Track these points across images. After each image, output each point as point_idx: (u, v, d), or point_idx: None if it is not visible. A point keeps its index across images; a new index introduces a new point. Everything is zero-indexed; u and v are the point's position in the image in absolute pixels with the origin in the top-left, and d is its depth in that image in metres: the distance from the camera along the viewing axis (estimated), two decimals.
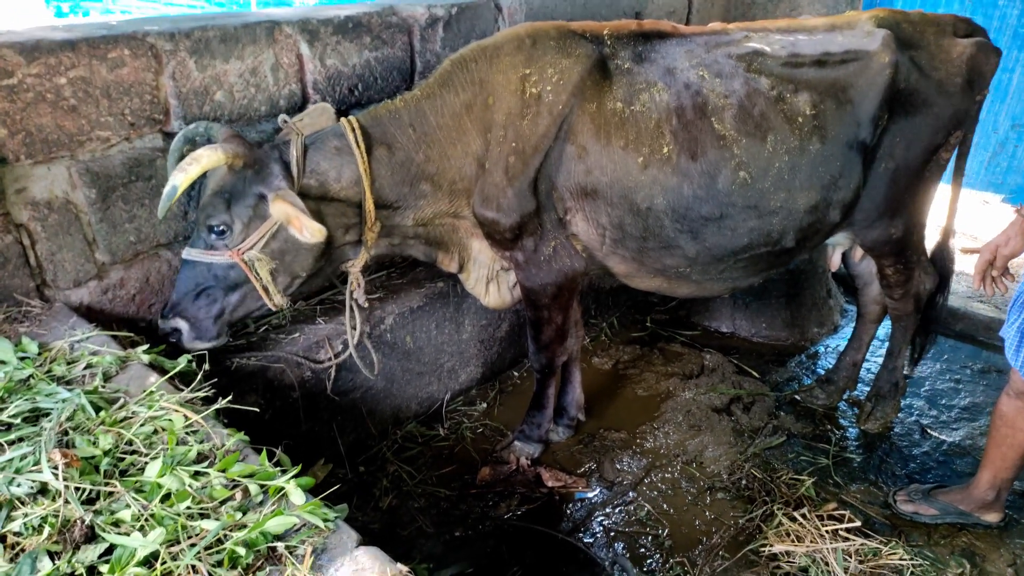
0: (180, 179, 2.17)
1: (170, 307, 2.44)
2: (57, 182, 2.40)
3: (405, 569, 1.45)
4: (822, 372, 4.05)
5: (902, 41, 2.75)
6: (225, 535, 1.47)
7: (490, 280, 2.98)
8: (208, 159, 2.23)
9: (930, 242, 3.33)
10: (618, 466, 3.34)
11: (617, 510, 3.11)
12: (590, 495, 3.18)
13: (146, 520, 1.49)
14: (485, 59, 2.60)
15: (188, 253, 2.41)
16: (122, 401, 1.85)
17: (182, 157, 2.34)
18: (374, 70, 3.15)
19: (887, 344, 3.62)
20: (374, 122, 2.56)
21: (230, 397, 1.88)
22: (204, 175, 2.35)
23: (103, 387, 1.92)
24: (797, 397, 3.84)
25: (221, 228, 2.36)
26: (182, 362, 2.09)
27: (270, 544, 1.47)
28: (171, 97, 2.56)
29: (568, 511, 3.10)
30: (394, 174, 2.57)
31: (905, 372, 3.65)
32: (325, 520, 1.54)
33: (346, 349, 2.88)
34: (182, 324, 2.41)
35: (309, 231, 2.29)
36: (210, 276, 2.40)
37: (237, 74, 2.70)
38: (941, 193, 3.20)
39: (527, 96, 2.56)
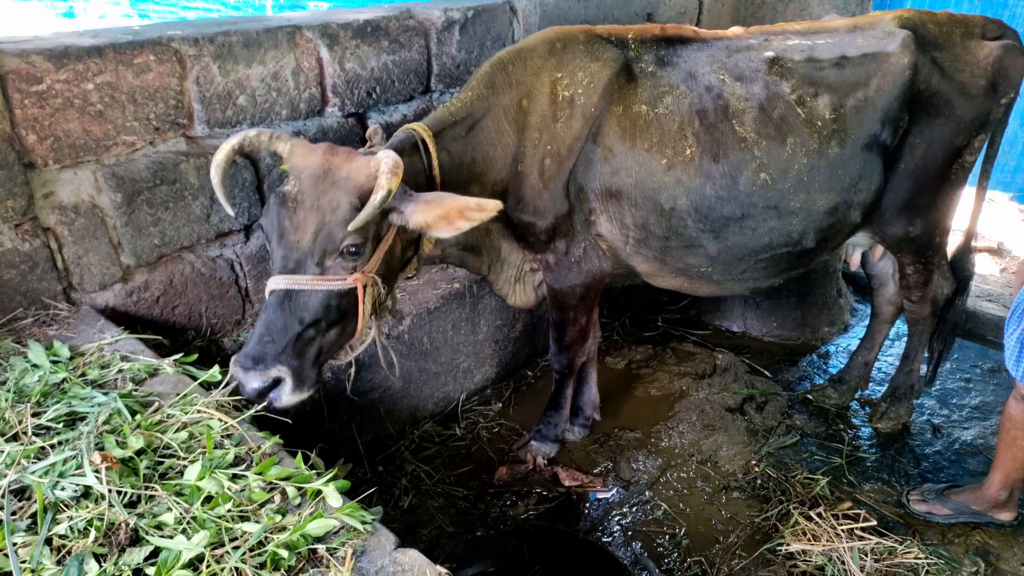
0: (394, 183, 1.97)
1: (258, 353, 1.96)
2: (83, 186, 2.42)
3: (445, 571, 1.48)
4: (833, 371, 4.08)
5: (925, 42, 2.75)
6: (266, 538, 1.50)
7: (517, 280, 2.99)
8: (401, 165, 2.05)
9: (952, 245, 3.33)
10: (634, 465, 3.36)
11: (634, 509, 3.14)
12: (607, 495, 3.21)
13: (188, 523, 1.51)
14: (520, 61, 2.62)
15: (291, 281, 2.01)
16: (156, 405, 1.87)
17: (233, 163, 2.19)
18: (391, 73, 3.17)
19: (903, 345, 3.63)
20: (437, 126, 2.47)
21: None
22: (260, 181, 2.19)
23: (136, 390, 1.94)
24: (809, 396, 3.86)
25: (356, 248, 2.06)
26: (213, 371, 2.11)
27: (311, 546, 1.50)
28: (195, 102, 2.58)
29: (585, 510, 3.12)
30: (452, 178, 2.49)
31: (924, 381, 3.66)
32: (363, 522, 1.57)
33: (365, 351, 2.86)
34: (285, 373, 1.99)
35: (489, 208, 2.10)
36: (320, 308, 2.03)
37: (259, 78, 2.72)
38: (965, 196, 3.18)
39: (560, 99, 2.59)
